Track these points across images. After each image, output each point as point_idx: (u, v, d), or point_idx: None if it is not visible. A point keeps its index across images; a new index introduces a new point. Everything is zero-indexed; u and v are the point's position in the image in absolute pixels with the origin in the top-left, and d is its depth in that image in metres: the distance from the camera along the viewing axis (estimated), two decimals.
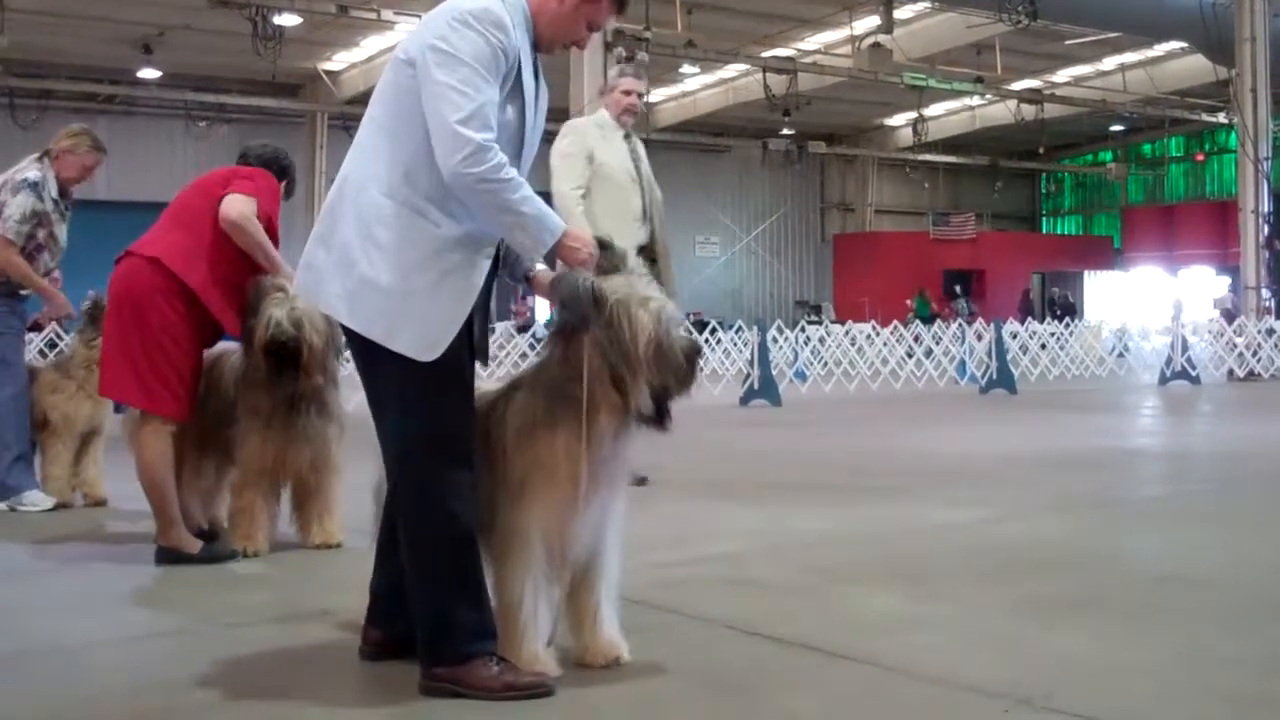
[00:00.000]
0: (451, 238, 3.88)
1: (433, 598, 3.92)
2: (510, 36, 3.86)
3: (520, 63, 3.92)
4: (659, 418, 3.91)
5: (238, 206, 6.22)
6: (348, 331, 4.01)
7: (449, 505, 3.88)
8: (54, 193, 7.97)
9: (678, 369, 3.89)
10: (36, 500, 7.80)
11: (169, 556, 6.09)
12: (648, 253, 8.36)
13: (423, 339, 3.85)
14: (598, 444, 3.91)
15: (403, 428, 3.95)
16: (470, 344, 4.03)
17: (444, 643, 3.90)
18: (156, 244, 6.29)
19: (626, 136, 8.50)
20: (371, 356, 3.94)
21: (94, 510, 7.94)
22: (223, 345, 6.67)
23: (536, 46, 4.08)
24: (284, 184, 6.84)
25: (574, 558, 4.05)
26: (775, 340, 21.11)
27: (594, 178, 8.27)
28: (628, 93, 8.47)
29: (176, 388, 6.17)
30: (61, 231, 8.07)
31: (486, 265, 3.97)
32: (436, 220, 3.87)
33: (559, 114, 22.26)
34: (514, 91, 3.93)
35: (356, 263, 3.89)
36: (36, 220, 7.87)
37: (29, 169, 7.94)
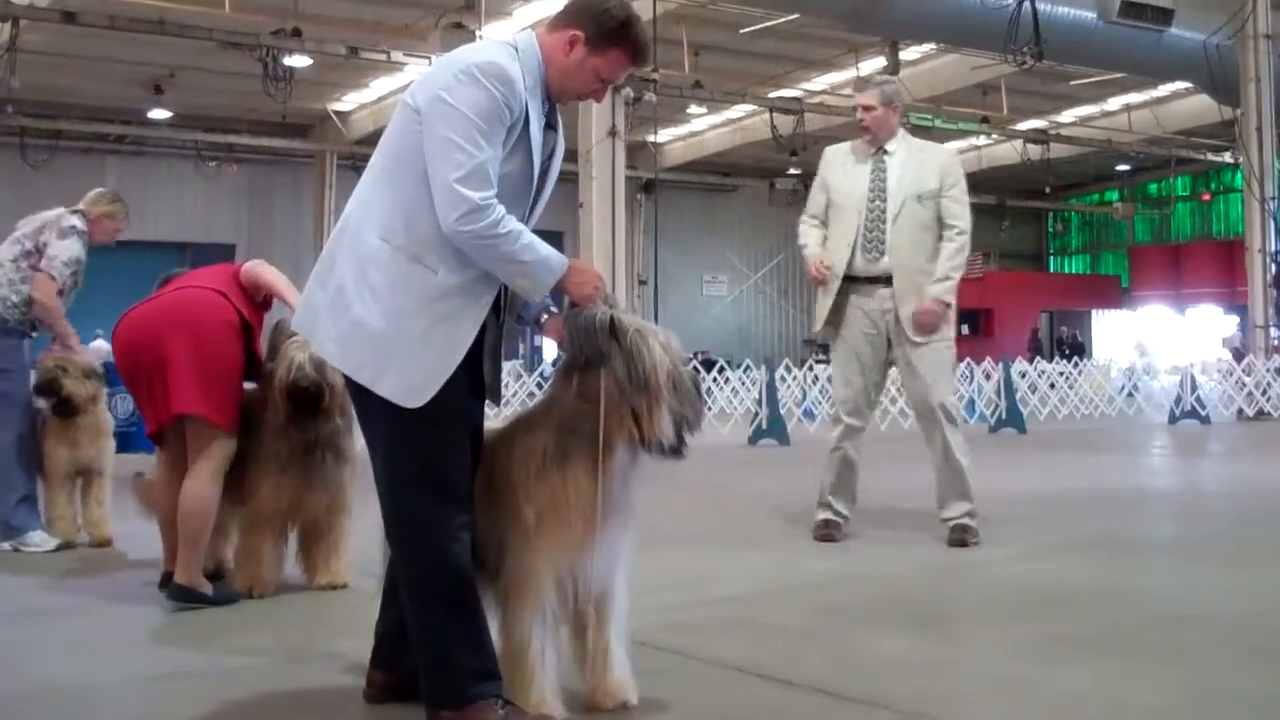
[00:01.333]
0: (447, 285, 3.87)
1: (432, 640, 3.90)
2: (516, 91, 3.86)
3: (528, 115, 3.92)
4: (678, 447, 3.91)
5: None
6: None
7: (444, 547, 3.87)
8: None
9: (693, 398, 3.90)
10: (40, 541, 7.80)
11: (184, 594, 6.05)
12: (873, 281, 7.89)
13: (409, 384, 3.84)
14: (613, 479, 3.90)
15: (395, 469, 3.94)
16: (475, 385, 4.02)
17: (446, 686, 3.87)
18: (214, 282, 6.40)
19: (878, 154, 7.99)
20: (364, 398, 3.94)
21: (99, 551, 7.91)
22: None
23: (550, 97, 4.09)
24: None
25: (586, 597, 4.03)
26: (783, 379, 21.09)
27: (829, 206, 8.03)
28: (855, 109, 8.10)
29: (237, 402, 6.25)
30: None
31: (482, 314, 3.95)
32: (433, 266, 3.86)
33: (567, 154, 22.23)
34: (519, 144, 3.93)
35: (351, 305, 3.89)
36: (78, 267, 8.05)
37: (72, 217, 8.07)
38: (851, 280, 7.89)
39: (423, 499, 3.88)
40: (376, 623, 4.33)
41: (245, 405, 6.38)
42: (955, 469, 7.84)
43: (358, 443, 4.75)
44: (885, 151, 7.98)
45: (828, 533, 7.97)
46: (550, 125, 4.09)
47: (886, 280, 7.84)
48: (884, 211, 7.86)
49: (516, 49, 3.97)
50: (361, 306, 3.88)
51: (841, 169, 8.06)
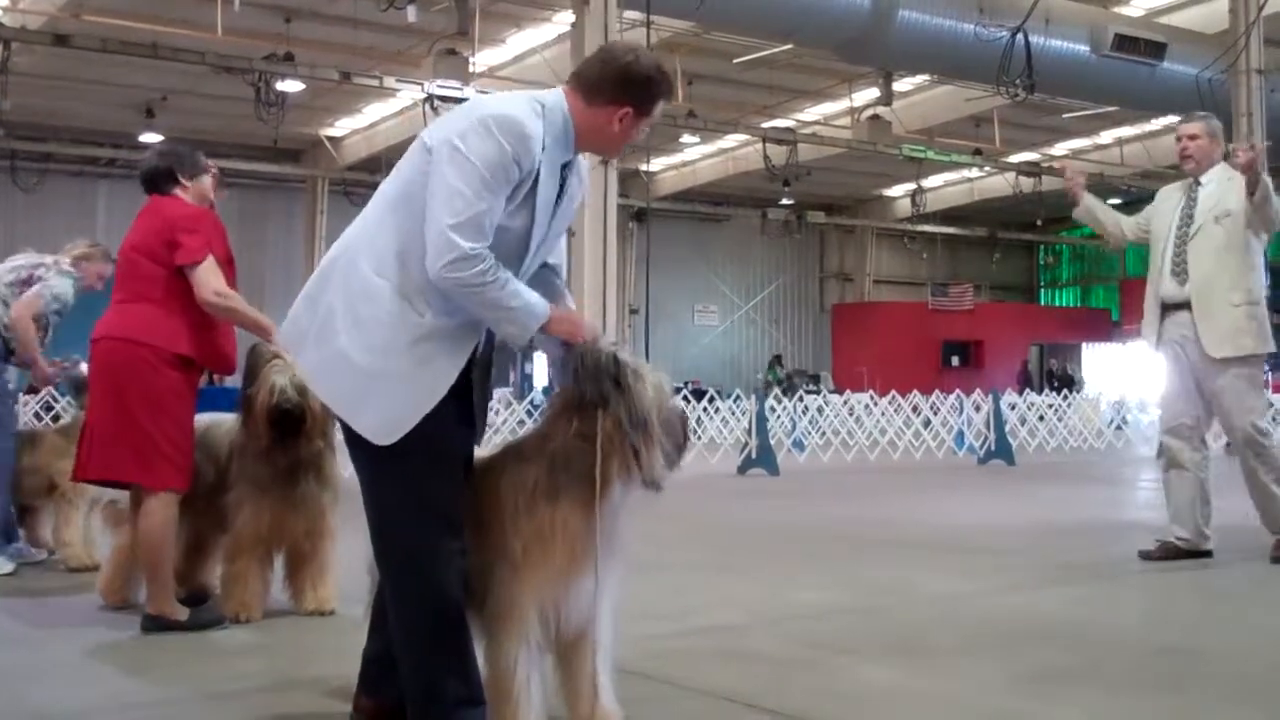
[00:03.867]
0: (433, 328, 3.86)
1: (420, 667, 3.89)
2: (529, 149, 3.84)
3: (538, 174, 3.90)
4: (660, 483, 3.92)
5: (207, 285, 6.10)
6: None
7: (433, 574, 3.86)
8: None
9: (679, 437, 3.92)
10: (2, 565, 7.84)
11: (156, 625, 6.04)
12: (1180, 307, 8.11)
13: (383, 422, 3.85)
14: (606, 515, 3.90)
15: (383, 498, 3.94)
16: (464, 413, 4.00)
17: (433, 713, 3.86)
18: (125, 323, 6.19)
19: (1196, 184, 8.23)
20: (348, 432, 3.96)
21: (84, 575, 7.87)
22: (210, 416, 6.65)
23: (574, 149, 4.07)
24: (196, 178, 6.52)
25: (569, 629, 4.02)
26: (773, 409, 21.09)
27: (1151, 236, 8.33)
28: (1178, 139, 8.35)
29: (175, 458, 6.10)
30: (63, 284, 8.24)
31: (464, 360, 3.94)
32: (420, 309, 3.85)
33: None
34: (525, 203, 3.91)
35: (337, 334, 3.89)
36: (61, 306, 8.17)
37: (70, 266, 8.24)
38: (1164, 306, 8.13)
39: (412, 527, 3.88)
40: (364, 648, 4.31)
41: (230, 433, 6.37)
42: (1263, 492, 8.10)
43: (347, 468, 4.73)
44: (1199, 183, 8.22)
45: (1149, 552, 8.30)
46: (565, 180, 4.05)
47: (1188, 305, 8.03)
48: (1186, 235, 8.06)
49: (543, 107, 3.95)
50: (347, 338, 3.87)
51: (1164, 200, 8.36)
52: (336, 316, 3.90)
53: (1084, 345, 46.56)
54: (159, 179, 6.42)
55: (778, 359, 39.44)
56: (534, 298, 3.90)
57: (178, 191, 6.38)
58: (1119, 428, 25.64)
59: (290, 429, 6.20)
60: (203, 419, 6.65)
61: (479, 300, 3.81)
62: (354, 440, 3.97)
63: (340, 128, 33.27)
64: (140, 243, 6.27)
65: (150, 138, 30.74)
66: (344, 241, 4.04)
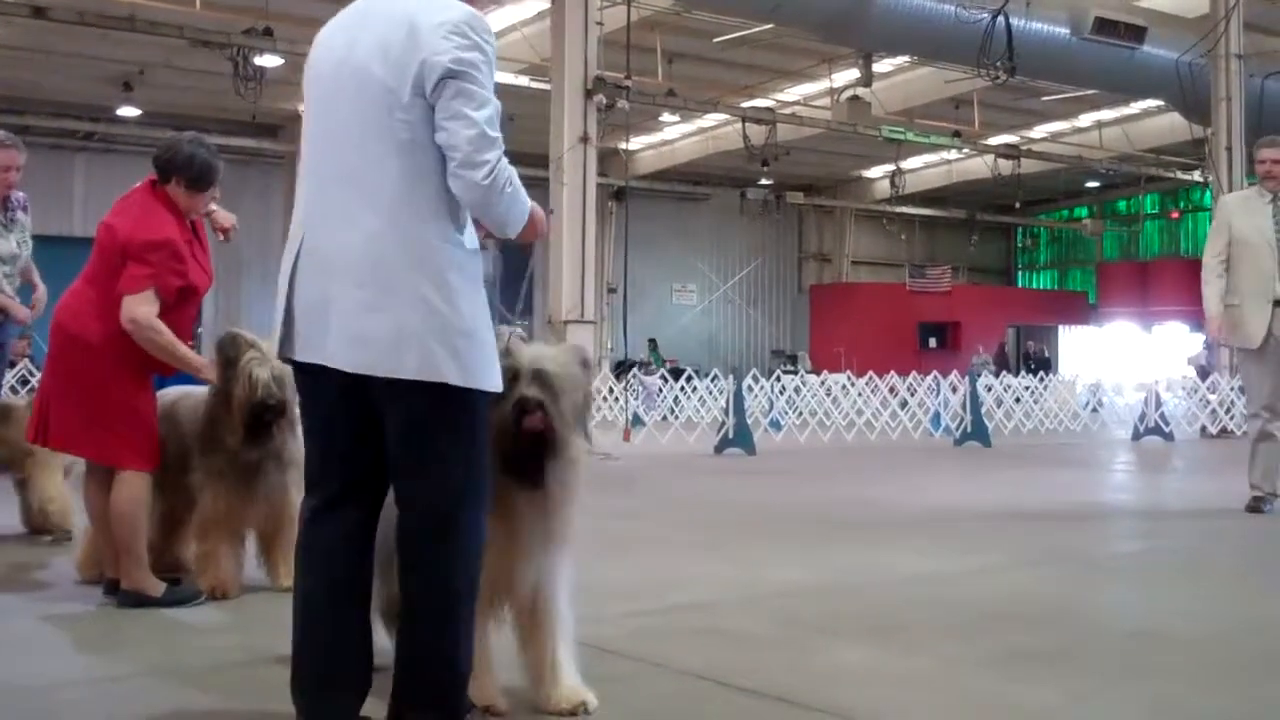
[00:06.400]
0: (481, 264, 3.84)
1: (456, 634, 3.77)
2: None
3: None
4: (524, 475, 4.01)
5: (125, 311, 5.94)
6: (430, 387, 3.69)
7: (482, 542, 3.84)
8: None
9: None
10: None
11: (132, 600, 6.01)
12: None
13: (496, 371, 3.82)
14: (519, 502, 3.99)
15: (470, 474, 3.79)
16: None
17: (458, 680, 3.79)
18: (64, 302, 6.20)
19: (1275, 200, 9.68)
20: (460, 405, 3.74)
21: (54, 548, 7.83)
22: (181, 389, 6.59)
23: None
24: (196, 191, 6.35)
25: (517, 608, 4.13)
26: (751, 389, 21.10)
27: (1233, 245, 9.64)
28: (1261, 162, 9.86)
29: (126, 435, 6.02)
30: (6, 242, 7.86)
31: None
32: (471, 246, 3.79)
33: (538, 160, 22.05)
34: None
35: (448, 319, 3.68)
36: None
37: None
38: (1276, 303, 9.46)
39: (483, 506, 3.83)
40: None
41: (193, 410, 6.32)
42: None
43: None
44: (1277, 199, 9.70)
45: (1256, 505, 9.65)
46: None
47: None
48: None
49: None
50: (456, 314, 3.70)
51: (1242, 213, 9.77)
52: (435, 303, 3.67)
53: (1060, 328, 46.70)
54: (161, 172, 6.36)
55: (652, 341, 39.45)
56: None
57: (171, 190, 6.29)
58: (1095, 410, 25.72)
59: (269, 423, 6.16)
60: (173, 392, 6.60)
61: (513, 193, 3.72)
62: (458, 418, 3.75)
63: None
64: (105, 238, 6.17)
65: (128, 111, 30.63)
66: (390, 217, 3.71)
